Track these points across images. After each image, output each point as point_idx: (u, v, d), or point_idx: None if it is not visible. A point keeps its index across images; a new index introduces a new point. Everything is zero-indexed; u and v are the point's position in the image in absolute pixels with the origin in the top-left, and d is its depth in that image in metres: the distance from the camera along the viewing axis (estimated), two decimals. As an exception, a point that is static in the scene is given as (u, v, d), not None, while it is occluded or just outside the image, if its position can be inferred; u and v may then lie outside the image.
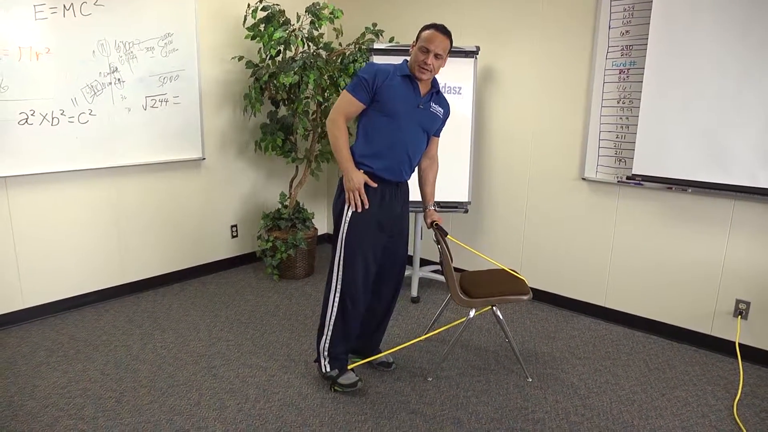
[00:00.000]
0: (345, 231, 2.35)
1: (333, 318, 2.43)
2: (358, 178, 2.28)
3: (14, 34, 2.82)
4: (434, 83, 2.41)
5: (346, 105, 2.31)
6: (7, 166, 2.90)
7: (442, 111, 2.46)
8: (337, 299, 2.41)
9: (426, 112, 2.38)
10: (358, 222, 2.34)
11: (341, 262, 2.38)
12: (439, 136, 2.57)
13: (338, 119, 2.31)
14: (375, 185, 2.32)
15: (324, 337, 2.47)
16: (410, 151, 2.38)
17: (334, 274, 2.40)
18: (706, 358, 2.92)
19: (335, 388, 2.47)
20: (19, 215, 3.04)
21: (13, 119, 2.88)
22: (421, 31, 2.31)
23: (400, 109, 2.30)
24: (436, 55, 2.26)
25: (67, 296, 3.31)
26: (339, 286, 2.40)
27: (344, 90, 2.33)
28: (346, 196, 2.32)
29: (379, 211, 2.38)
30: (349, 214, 2.34)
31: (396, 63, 2.37)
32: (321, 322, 2.48)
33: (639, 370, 2.77)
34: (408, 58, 2.36)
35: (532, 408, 2.40)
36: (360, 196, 2.29)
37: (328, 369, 2.48)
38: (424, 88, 2.37)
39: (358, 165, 2.34)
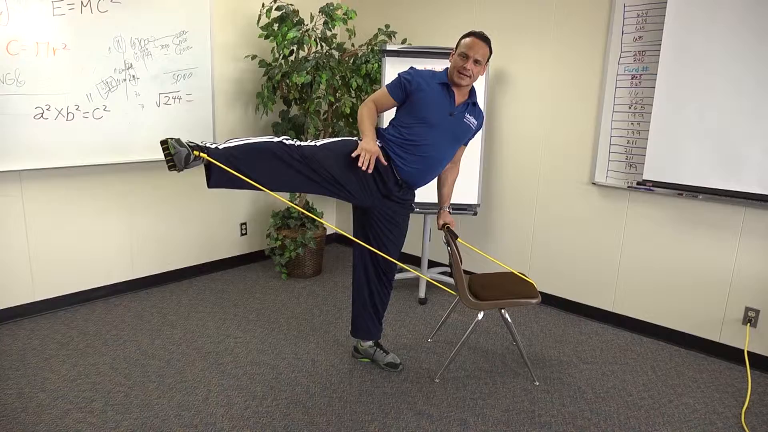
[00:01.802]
0: (342, 138, 2.37)
1: (259, 142, 2.21)
2: (375, 147, 2.22)
3: (32, 30, 2.85)
4: (472, 94, 2.44)
5: (379, 96, 2.41)
6: (22, 160, 2.93)
7: (476, 123, 2.49)
8: (282, 141, 2.23)
9: (458, 122, 2.41)
10: (351, 158, 2.24)
11: (316, 144, 2.28)
12: (467, 145, 2.60)
13: (370, 103, 2.40)
14: (386, 164, 2.31)
15: (239, 139, 2.24)
16: (434, 158, 2.40)
17: (305, 141, 2.30)
18: (714, 365, 2.91)
19: (169, 139, 2.07)
20: (32, 209, 3.07)
21: (28, 113, 2.91)
22: (460, 39, 2.36)
23: (431, 116, 2.34)
24: (476, 61, 2.30)
25: (78, 290, 3.34)
26: (296, 145, 2.24)
27: (384, 86, 2.42)
28: (360, 152, 2.18)
29: (375, 179, 2.34)
30: (355, 139, 2.34)
31: (437, 70, 2.42)
32: (254, 138, 2.26)
33: (646, 375, 2.77)
34: (449, 67, 2.39)
35: (539, 411, 2.40)
36: (371, 160, 2.18)
37: (197, 143, 2.14)
38: (460, 98, 2.40)
39: (388, 145, 2.36)
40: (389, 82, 2.42)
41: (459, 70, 2.31)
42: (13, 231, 3.03)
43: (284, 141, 2.26)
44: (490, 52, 2.36)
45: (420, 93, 2.33)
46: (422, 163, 2.37)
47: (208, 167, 2.18)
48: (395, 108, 2.46)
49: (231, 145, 2.21)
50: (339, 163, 2.28)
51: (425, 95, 2.33)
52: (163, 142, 2.07)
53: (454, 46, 2.38)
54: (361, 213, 2.54)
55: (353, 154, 2.20)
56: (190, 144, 2.12)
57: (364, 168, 2.18)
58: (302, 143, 2.29)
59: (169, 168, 2.09)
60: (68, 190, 3.20)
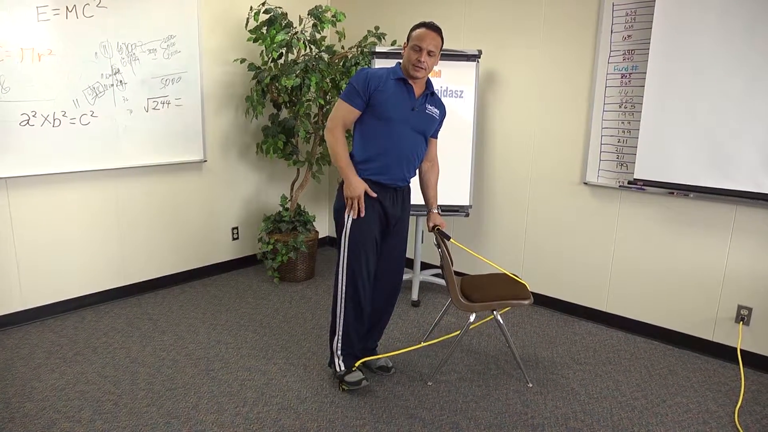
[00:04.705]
0: (348, 234, 2.37)
1: (343, 318, 2.46)
2: (358, 186, 2.30)
3: (17, 36, 2.82)
4: (428, 84, 2.41)
5: (342, 113, 2.33)
6: (8, 167, 2.91)
7: (438, 112, 2.46)
8: (344, 300, 2.44)
9: (422, 115, 2.38)
10: (361, 225, 2.36)
11: (345, 265, 2.40)
12: (437, 138, 2.57)
13: (335, 128, 2.33)
14: (375, 195, 2.33)
15: (336, 337, 2.50)
16: (408, 155, 2.38)
17: (341, 277, 2.43)
18: (708, 364, 2.90)
19: (342, 386, 2.49)
20: (19, 216, 3.04)
21: (14, 120, 2.88)
22: (411, 31, 2.32)
23: (394, 114, 2.31)
24: (429, 53, 2.27)
25: (67, 298, 3.30)
26: (345, 288, 2.42)
27: (339, 99, 2.34)
28: (346, 202, 2.34)
29: (380, 216, 2.41)
30: (350, 223, 2.37)
31: (389, 66, 2.38)
32: (332, 323, 2.52)
33: (640, 375, 2.76)
34: (401, 61, 2.36)
35: (532, 413, 2.39)
36: (359, 203, 2.31)
37: (343, 368, 2.50)
38: (418, 90, 2.37)
39: (357, 171, 2.35)
40: (343, 93, 2.35)
41: (414, 63, 2.27)
42: (1, 239, 2.99)
43: (347, 298, 2.43)
44: (442, 41, 2.32)
45: (378, 95, 2.28)
46: (399, 164, 2.36)
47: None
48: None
49: (342, 336, 2.49)
50: (363, 245, 2.38)
51: (384, 96, 2.29)
52: (342, 389, 2.52)
53: (406, 39, 2.34)
54: None
55: (346, 213, 2.36)
56: (341, 372, 2.50)
57: (354, 216, 2.32)
58: (346, 287, 2.43)
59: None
60: (56, 197, 3.17)
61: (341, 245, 2.40)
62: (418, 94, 2.37)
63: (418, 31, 2.29)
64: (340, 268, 2.42)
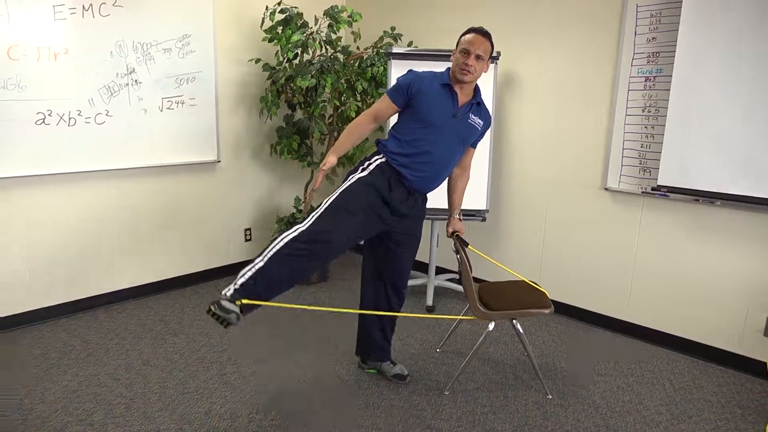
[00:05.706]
0: (342, 188, 2.30)
1: (274, 252, 2.12)
2: (324, 162, 2.35)
3: (33, 35, 2.81)
4: (476, 93, 2.37)
5: (381, 105, 2.37)
6: (23, 166, 2.89)
7: (482, 123, 2.40)
8: (292, 236, 2.14)
9: (463, 123, 2.34)
10: (356, 192, 2.28)
11: (321, 211, 2.23)
12: (475, 147, 2.52)
13: (366, 114, 2.39)
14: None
15: (252, 265, 2.12)
16: (440, 162, 2.34)
17: (308, 218, 2.22)
18: (735, 378, 2.81)
19: (211, 308, 2.03)
20: (34, 215, 3.03)
21: (30, 119, 2.86)
22: (461, 36, 2.31)
23: (434, 118, 2.28)
24: (478, 57, 2.24)
25: (80, 297, 3.29)
26: (304, 229, 2.17)
27: (385, 93, 2.38)
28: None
29: (380, 197, 2.29)
30: (355, 179, 2.31)
31: (439, 71, 2.35)
32: (261, 251, 2.17)
33: (663, 389, 2.67)
34: (450, 66, 2.32)
35: (552, 427, 2.32)
36: (318, 178, 2.35)
37: (230, 293, 2.08)
38: (463, 98, 2.33)
39: (390, 159, 2.30)
40: (389, 88, 2.37)
41: (461, 67, 2.24)
42: (15, 237, 2.98)
43: (289, 238, 2.14)
44: (492, 48, 2.30)
45: (420, 96, 2.27)
46: (429, 168, 2.31)
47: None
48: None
49: (259, 268, 2.11)
50: (349, 202, 2.25)
51: (426, 98, 2.27)
52: (209, 311, 2.04)
53: (455, 44, 2.32)
54: (376, 235, 2.43)
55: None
56: (227, 299, 2.06)
57: (315, 186, 2.34)
58: (307, 225, 2.18)
59: (227, 326, 2.08)
60: (69, 196, 3.15)
61: (331, 195, 2.29)
62: (462, 102, 2.32)
63: (467, 35, 2.28)
64: (314, 212, 2.23)
